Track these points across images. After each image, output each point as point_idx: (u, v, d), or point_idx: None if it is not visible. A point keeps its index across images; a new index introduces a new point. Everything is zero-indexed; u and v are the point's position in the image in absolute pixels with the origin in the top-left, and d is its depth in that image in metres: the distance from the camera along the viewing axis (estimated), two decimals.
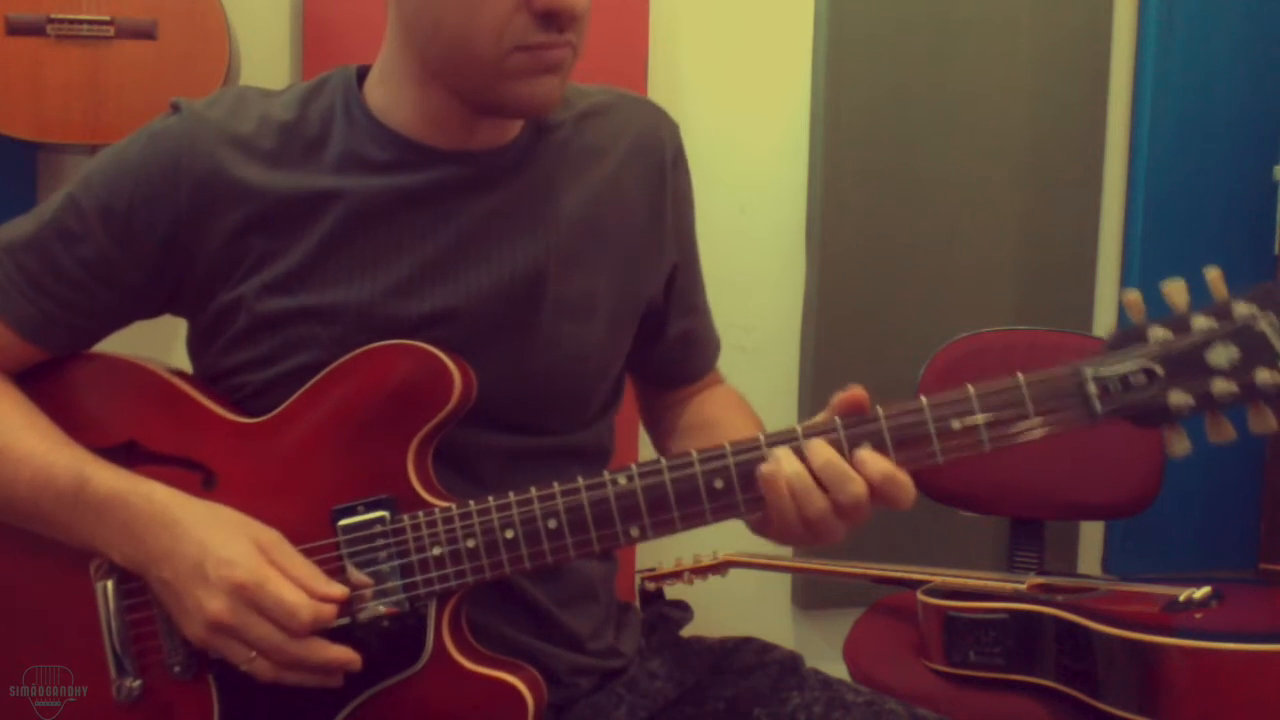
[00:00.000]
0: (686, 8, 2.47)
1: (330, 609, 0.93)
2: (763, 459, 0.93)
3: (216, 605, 0.91)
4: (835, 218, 2.49)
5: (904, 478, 0.91)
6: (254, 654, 0.91)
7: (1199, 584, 1.61)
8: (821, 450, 0.91)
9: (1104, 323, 2.66)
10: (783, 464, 0.91)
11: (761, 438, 0.94)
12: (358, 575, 0.96)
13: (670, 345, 1.21)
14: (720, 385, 1.29)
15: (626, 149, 1.13)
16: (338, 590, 0.94)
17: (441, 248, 1.03)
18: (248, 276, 1.01)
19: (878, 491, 0.91)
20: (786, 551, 2.33)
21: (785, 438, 0.93)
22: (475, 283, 1.03)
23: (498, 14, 0.94)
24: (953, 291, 2.53)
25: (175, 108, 1.04)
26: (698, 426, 1.19)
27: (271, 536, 0.95)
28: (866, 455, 0.91)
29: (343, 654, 0.93)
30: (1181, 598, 1.58)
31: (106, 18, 1.98)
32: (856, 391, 0.94)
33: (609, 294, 1.10)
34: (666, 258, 1.16)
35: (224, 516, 0.95)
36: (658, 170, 1.15)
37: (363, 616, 0.96)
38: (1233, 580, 1.76)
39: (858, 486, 0.90)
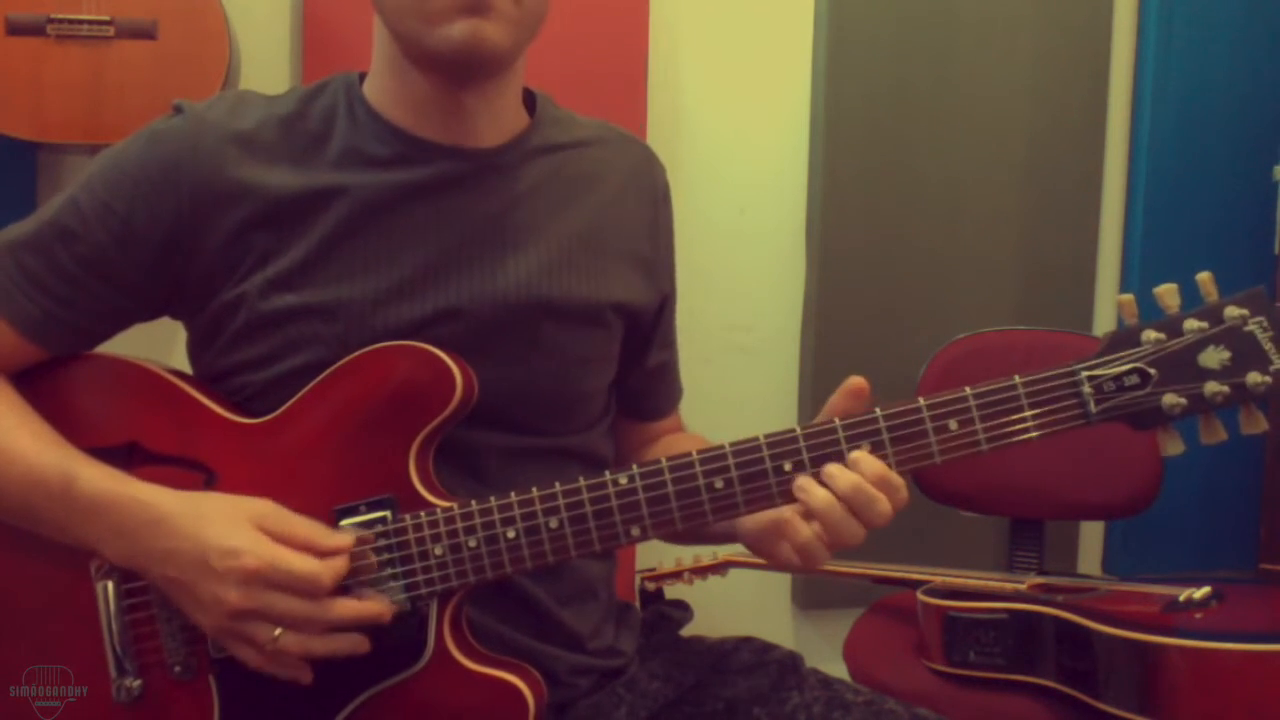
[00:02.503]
0: (686, 8, 2.47)
1: (342, 561, 0.93)
2: (762, 460, 0.93)
3: (232, 596, 0.90)
4: (835, 218, 2.49)
5: (897, 479, 0.93)
6: (279, 631, 0.91)
7: (1199, 584, 1.61)
8: (844, 477, 0.92)
9: (1104, 323, 2.66)
10: (813, 496, 0.93)
11: (761, 439, 0.94)
12: (354, 530, 0.96)
13: (647, 375, 1.22)
14: (687, 432, 1.30)
15: (623, 178, 1.15)
16: (342, 539, 0.94)
17: (444, 247, 1.04)
18: (250, 274, 1.01)
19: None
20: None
21: (785, 439, 0.94)
22: (478, 284, 1.04)
23: None
24: (953, 291, 2.53)
25: (177, 109, 1.04)
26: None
27: (263, 507, 0.95)
28: (861, 457, 0.92)
29: (372, 606, 0.93)
30: (1181, 598, 1.59)
31: (106, 18, 1.98)
32: (853, 387, 0.95)
33: (608, 302, 1.11)
34: (659, 286, 1.18)
35: (214, 504, 0.95)
36: (651, 201, 1.18)
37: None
38: (1233, 580, 1.76)
39: (884, 506, 0.92)
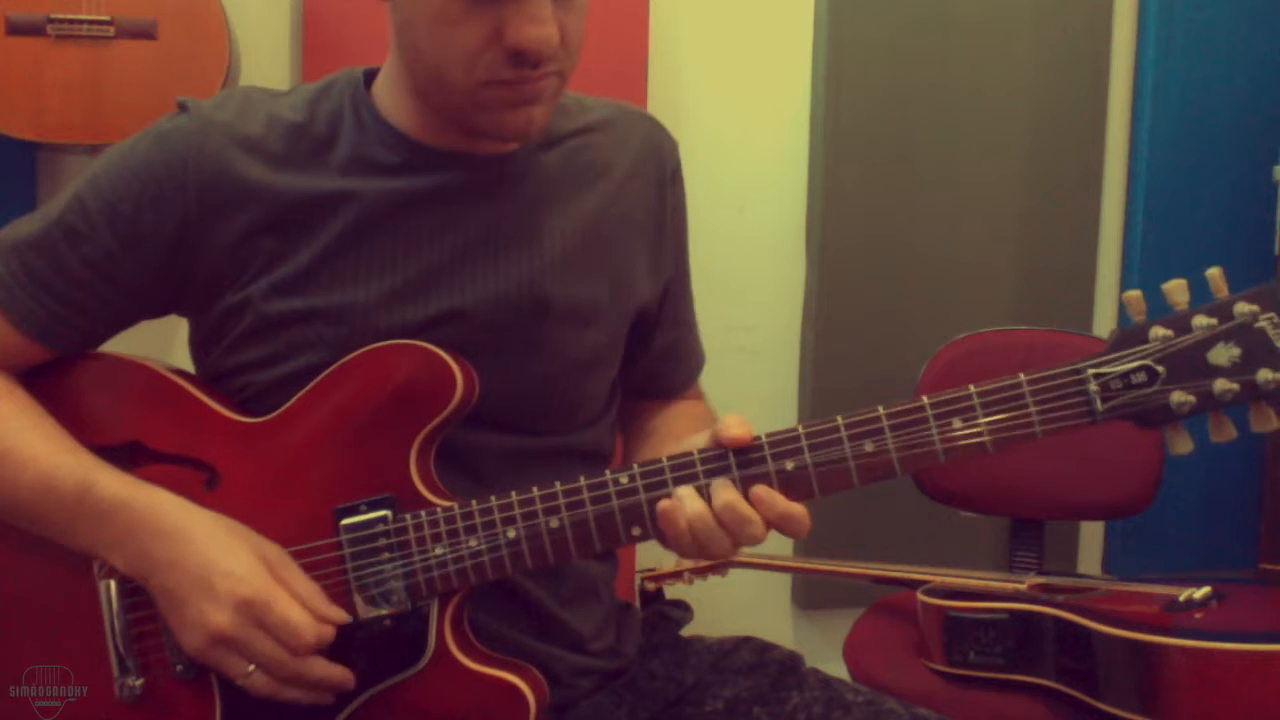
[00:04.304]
0: (686, 8, 2.47)
1: (330, 630, 0.93)
2: (764, 460, 0.93)
3: (221, 618, 0.91)
4: (835, 218, 2.49)
5: (799, 512, 0.93)
6: (251, 668, 0.92)
7: (1199, 584, 1.61)
8: (722, 492, 0.93)
9: (1104, 322, 2.66)
10: (685, 504, 0.93)
11: (764, 438, 0.94)
12: (365, 609, 0.96)
13: (656, 357, 1.21)
14: (697, 401, 1.29)
15: (630, 162, 1.14)
16: (338, 613, 0.95)
17: (448, 252, 1.04)
18: (256, 278, 1.01)
19: (775, 528, 0.93)
20: (787, 551, 2.33)
21: (787, 438, 0.94)
22: (481, 287, 1.04)
23: (469, 48, 0.94)
24: (953, 291, 2.53)
25: (182, 107, 1.04)
26: (659, 435, 1.19)
27: (276, 551, 0.95)
28: (763, 493, 0.93)
29: (339, 673, 0.94)
30: (1181, 598, 1.58)
31: (106, 18, 1.98)
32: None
33: (610, 301, 1.10)
34: (664, 270, 1.18)
35: (229, 528, 0.95)
36: (658, 184, 1.16)
37: (365, 616, 0.96)
38: (1233, 580, 1.76)
39: (757, 529, 0.92)
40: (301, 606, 0.92)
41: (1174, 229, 2.59)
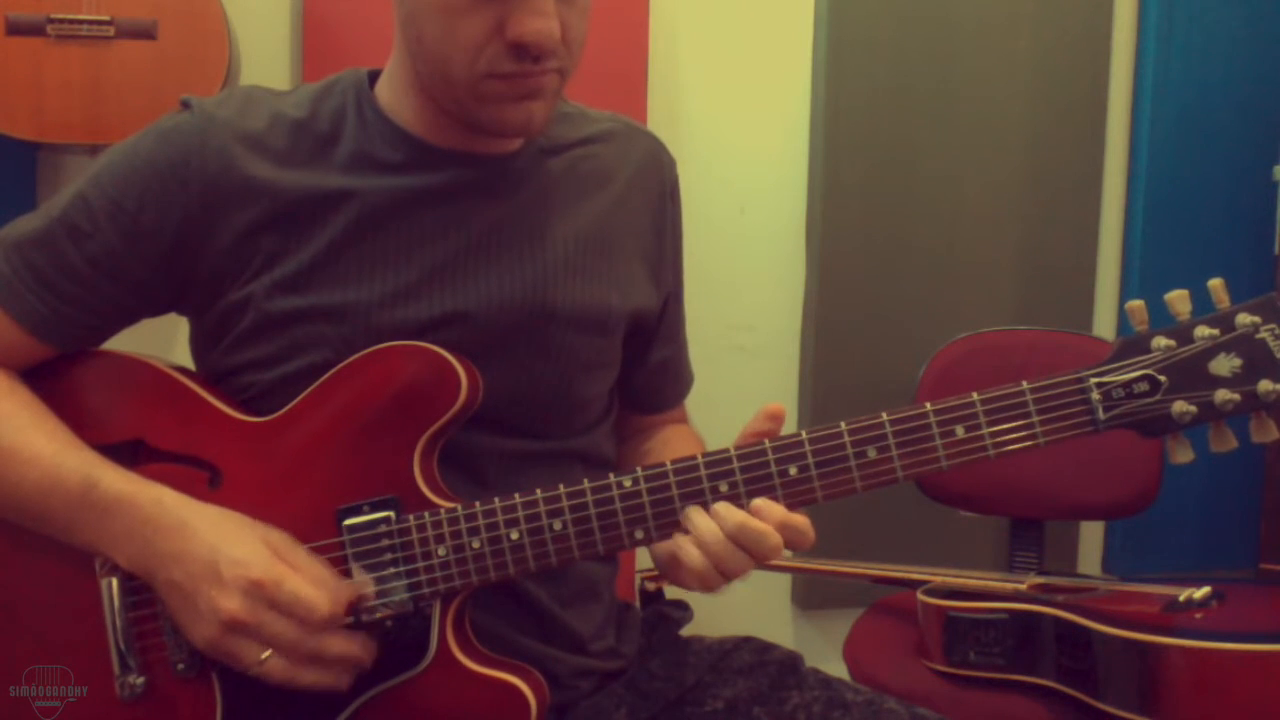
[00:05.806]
0: (686, 8, 2.47)
1: (343, 606, 0.93)
2: (768, 464, 0.94)
3: (232, 604, 0.91)
4: (835, 218, 2.49)
5: (799, 521, 0.93)
6: (267, 653, 0.91)
7: (1199, 584, 1.61)
8: (731, 514, 0.93)
9: (1104, 322, 2.66)
10: (699, 525, 0.93)
11: (767, 444, 0.94)
12: (363, 576, 0.96)
13: (650, 372, 1.22)
14: (684, 425, 1.30)
15: (632, 174, 1.15)
16: (350, 589, 0.95)
17: (451, 251, 1.04)
18: (257, 275, 1.02)
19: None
20: (786, 551, 2.33)
21: (790, 444, 0.94)
22: (485, 289, 1.04)
23: (472, 40, 0.95)
24: (953, 291, 2.54)
25: (185, 105, 1.04)
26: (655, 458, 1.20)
27: (281, 537, 0.95)
28: (762, 504, 0.93)
29: (360, 646, 0.94)
30: (1181, 598, 1.59)
31: (106, 18, 1.97)
32: (771, 411, 0.96)
33: (612, 305, 1.11)
34: (664, 283, 1.19)
35: (233, 519, 0.96)
36: (659, 197, 1.18)
37: (367, 617, 0.96)
38: (1233, 580, 1.76)
39: (773, 539, 0.92)
40: (312, 583, 0.92)
41: (1174, 229, 2.59)
